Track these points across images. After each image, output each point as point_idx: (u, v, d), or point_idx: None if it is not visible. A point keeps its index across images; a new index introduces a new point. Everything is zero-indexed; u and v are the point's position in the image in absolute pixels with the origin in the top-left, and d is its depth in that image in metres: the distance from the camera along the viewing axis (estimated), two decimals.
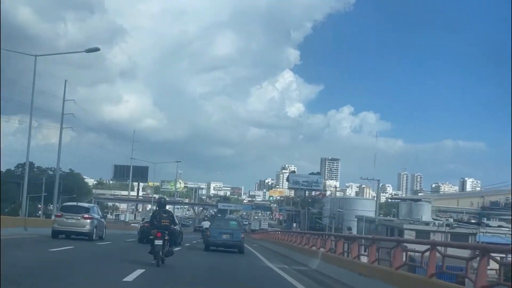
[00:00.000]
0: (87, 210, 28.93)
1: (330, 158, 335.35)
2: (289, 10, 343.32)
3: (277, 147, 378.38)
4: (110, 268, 15.01)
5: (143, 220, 44.70)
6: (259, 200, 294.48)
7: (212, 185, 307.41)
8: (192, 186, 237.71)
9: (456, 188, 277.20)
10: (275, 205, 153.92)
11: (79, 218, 27.55)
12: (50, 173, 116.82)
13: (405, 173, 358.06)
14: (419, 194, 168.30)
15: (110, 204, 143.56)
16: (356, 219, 73.71)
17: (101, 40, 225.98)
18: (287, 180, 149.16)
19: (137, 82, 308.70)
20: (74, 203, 31.36)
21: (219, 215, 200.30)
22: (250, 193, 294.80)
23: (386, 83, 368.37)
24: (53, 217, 34.65)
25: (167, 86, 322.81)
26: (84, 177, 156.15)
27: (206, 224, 38.10)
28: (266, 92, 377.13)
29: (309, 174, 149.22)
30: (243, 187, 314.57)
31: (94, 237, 27.85)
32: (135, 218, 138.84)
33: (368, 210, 78.43)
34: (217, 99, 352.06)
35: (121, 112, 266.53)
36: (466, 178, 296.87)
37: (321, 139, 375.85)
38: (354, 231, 71.28)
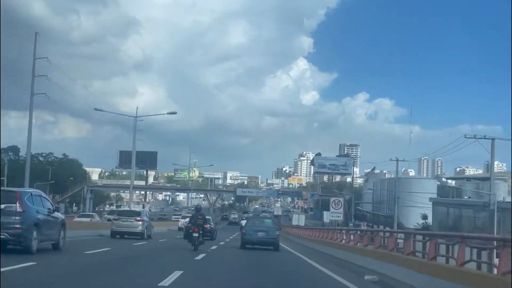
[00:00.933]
0: (138, 213, 33.94)
1: (348, 143, 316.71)
2: None
3: (292, 135, 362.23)
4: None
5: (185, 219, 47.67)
6: (277, 187, 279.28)
7: (229, 174, 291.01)
8: (208, 176, 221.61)
9: (481, 171, 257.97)
10: (298, 190, 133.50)
11: (133, 220, 31.99)
12: (41, 159, 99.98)
13: (425, 158, 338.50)
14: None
15: (113, 194, 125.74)
16: (430, 203, 55.14)
17: (115, 33, 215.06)
18: (312, 163, 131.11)
19: (152, 74, 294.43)
20: (128, 209, 40.50)
21: (237, 203, 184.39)
22: (268, 181, 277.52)
23: (402, 69, 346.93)
24: None
25: (181, 77, 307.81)
26: (93, 169, 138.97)
27: (244, 223, 37.85)
28: (280, 81, 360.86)
29: (337, 156, 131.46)
30: (260, 176, 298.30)
31: (145, 236, 31.87)
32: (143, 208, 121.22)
33: (429, 192, 59.87)
34: (231, 89, 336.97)
35: (136, 104, 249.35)
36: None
37: (336, 127, 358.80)
38: (430, 220, 52.83)
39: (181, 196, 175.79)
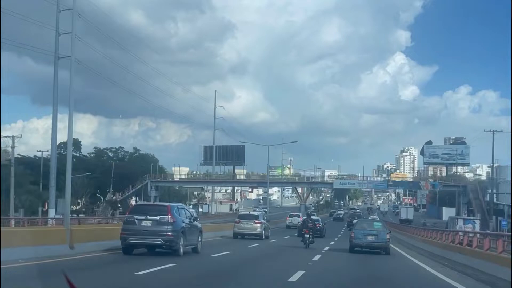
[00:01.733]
0: (256, 217, 36.07)
1: (454, 137, 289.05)
2: None
3: (392, 132, 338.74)
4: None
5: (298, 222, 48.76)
6: (380, 180, 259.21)
7: (326, 173, 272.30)
8: (304, 174, 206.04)
9: None
10: (413, 180, 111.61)
11: (252, 223, 34.44)
12: (110, 154, 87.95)
13: None
14: None
15: (196, 192, 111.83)
16: None
17: (212, 37, 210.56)
18: (421, 153, 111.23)
19: (248, 77, 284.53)
20: (247, 212, 43.33)
21: (336, 201, 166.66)
22: (369, 179, 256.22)
23: (506, 58, 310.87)
24: None
25: (276, 79, 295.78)
26: (181, 168, 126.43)
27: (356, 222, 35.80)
28: (377, 77, 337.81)
29: (450, 144, 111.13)
30: (359, 174, 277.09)
31: (263, 237, 33.95)
32: (231, 209, 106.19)
33: None
34: (327, 88, 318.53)
35: (234, 108, 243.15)
36: None
37: (438, 122, 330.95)
38: None
39: (275, 195, 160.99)
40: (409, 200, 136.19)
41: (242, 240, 32.36)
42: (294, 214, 61.44)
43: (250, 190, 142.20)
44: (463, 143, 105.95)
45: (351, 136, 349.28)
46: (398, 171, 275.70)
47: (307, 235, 26.29)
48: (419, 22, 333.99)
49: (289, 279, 12.20)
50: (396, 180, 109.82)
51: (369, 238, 24.78)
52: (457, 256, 20.55)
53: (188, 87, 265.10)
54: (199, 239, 20.18)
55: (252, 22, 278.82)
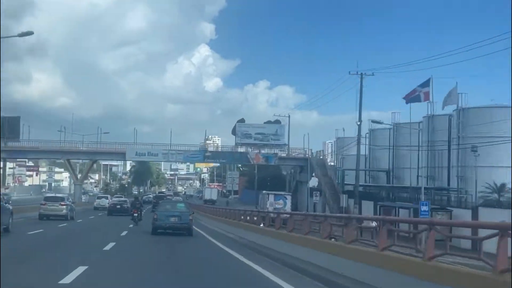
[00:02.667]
0: (62, 199, 37.36)
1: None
2: None
3: (196, 122, 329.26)
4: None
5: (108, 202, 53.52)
6: (182, 173, 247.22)
7: (128, 163, 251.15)
8: (106, 163, 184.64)
9: None
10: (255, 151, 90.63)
11: (58, 205, 35.53)
12: None
13: (330, 141, 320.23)
14: None
15: None
16: None
17: (8, 14, 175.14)
18: (233, 132, 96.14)
19: (48, 60, 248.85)
20: (53, 194, 45.47)
21: (135, 187, 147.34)
22: (172, 167, 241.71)
23: (301, 56, 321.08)
24: None
25: (78, 63, 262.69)
26: None
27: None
28: (182, 67, 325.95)
29: (265, 122, 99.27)
30: (163, 163, 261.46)
31: (68, 218, 35.27)
32: None
33: None
34: (131, 76, 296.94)
35: (32, 92, 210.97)
36: None
37: (239, 114, 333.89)
38: None
39: (65, 182, 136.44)
40: (216, 186, 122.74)
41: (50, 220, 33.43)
42: (102, 196, 67.17)
43: (34, 174, 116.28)
44: (278, 122, 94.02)
45: (156, 125, 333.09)
46: None
47: (136, 214, 31.47)
48: (223, 15, 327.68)
49: (104, 248, 14.74)
50: (215, 151, 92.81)
51: (172, 219, 24.45)
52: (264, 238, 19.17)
53: None
54: (10, 220, 22.18)
55: (54, 1, 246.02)
